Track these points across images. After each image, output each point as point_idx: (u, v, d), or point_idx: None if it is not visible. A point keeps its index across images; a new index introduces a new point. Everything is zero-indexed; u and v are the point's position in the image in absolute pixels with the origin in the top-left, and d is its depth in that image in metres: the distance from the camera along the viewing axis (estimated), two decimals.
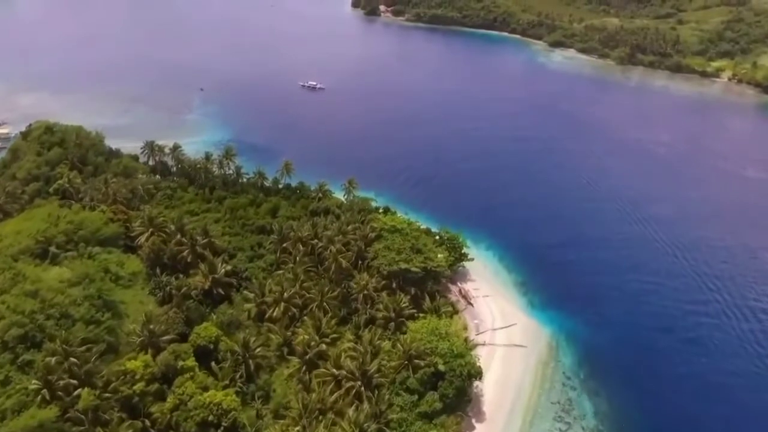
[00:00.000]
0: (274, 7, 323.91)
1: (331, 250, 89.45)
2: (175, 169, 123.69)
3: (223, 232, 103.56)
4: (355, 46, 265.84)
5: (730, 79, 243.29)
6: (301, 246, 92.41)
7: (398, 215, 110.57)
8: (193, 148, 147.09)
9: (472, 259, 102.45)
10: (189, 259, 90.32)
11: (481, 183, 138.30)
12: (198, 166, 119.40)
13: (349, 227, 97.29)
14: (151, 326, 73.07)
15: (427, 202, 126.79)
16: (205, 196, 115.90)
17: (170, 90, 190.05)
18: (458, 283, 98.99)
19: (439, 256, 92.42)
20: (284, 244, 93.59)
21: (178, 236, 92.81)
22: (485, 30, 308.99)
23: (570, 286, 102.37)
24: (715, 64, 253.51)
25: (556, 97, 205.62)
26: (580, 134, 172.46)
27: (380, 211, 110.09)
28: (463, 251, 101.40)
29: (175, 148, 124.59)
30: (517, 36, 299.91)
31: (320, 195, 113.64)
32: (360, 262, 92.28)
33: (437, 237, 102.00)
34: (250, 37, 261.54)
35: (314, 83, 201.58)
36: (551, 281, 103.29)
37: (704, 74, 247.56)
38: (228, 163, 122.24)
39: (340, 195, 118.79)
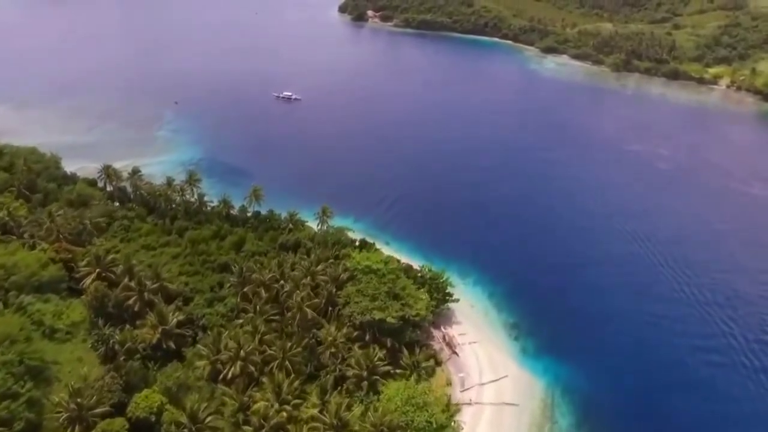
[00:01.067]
0: (258, 15, 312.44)
1: (296, 298, 79.06)
2: (134, 196, 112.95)
3: (180, 270, 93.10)
4: (340, 53, 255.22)
5: (728, 87, 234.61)
6: (263, 292, 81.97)
7: (376, 249, 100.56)
8: (160, 169, 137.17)
9: (458, 300, 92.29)
10: (136, 308, 79.77)
11: (469, 206, 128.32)
12: (158, 193, 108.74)
13: (319, 267, 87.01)
14: (79, 400, 62.50)
15: (410, 230, 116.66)
16: (166, 226, 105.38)
17: (143, 103, 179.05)
18: (442, 328, 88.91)
19: (419, 302, 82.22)
20: (245, 289, 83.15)
21: (126, 280, 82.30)
22: (476, 35, 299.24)
23: (567, 327, 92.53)
24: (713, 70, 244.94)
25: (549, 107, 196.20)
26: (575, 148, 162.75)
27: (356, 244, 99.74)
28: (447, 290, 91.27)
29: (134, 172, 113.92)
30: (509, 42, 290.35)
31: (290, 226, 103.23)
32: (330, 308, 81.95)
33: (419, 275, 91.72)
34: (231, 45, 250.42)
35: (289, 94, 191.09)
36: (545, 321, 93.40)
37: (702, 81, 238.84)
38: (191, 190, 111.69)
39: (314, 224, 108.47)
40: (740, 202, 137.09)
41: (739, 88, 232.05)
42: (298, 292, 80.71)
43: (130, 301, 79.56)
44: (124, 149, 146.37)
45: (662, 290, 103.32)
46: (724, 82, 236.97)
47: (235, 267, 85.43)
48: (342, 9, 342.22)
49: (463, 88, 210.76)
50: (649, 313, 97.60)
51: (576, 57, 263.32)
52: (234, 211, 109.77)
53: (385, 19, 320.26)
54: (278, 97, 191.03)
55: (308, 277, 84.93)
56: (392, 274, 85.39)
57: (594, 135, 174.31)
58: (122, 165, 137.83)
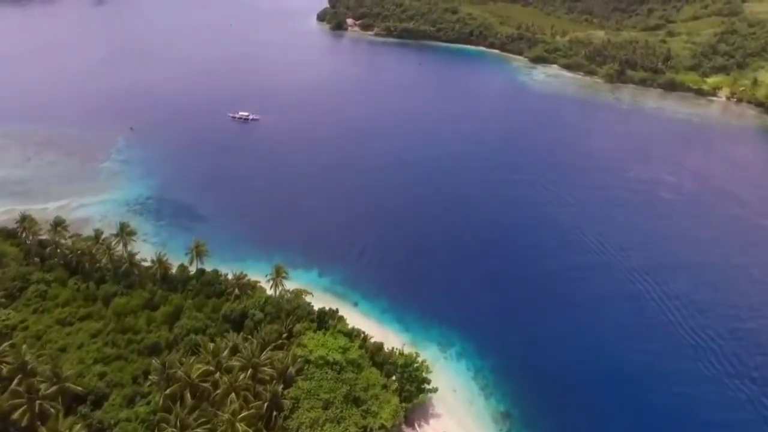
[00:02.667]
0: (233, 26, 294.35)
1: (229, 407, 62.19)
2: (54, 253, 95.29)
3: (98, 354, 75.89)
4: (313, 67, 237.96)
5: (728, 98, 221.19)
6: (189, 396, 64.98)
7: (340, 318, 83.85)
8: (99, 210, 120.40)
9: (436, 389, 75.64)
10: (24, 423, 62.56)
11: (451, 250, 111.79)
12: (80, 251, 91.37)
13: (263, 356, 70.17)
14: None
15: (382, 284, 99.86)
16: (90, 292, 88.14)
17: (94, 128, 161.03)
18: (416, 425, 72.43)
19: (386, 407, 65.65)
20: (168, 390, 66.17)
21: (15, 383, 65.08)
22: (461, 44, 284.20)
23: (571, 415, 76.30)
24: (711, 80, 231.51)
25: (540, 127, 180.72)
26: (569, 174, 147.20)
27: (315, 315, 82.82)
28: (424, 377, 74.79)
29: (57, 223, 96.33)
30: (496, 51, 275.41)
31: (237, 291, 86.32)
32: (273, 415, 65.11)
33: (389, 361, 75.04)
34: (201, 59, 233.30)
35: (246, 114, 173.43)
36: (544, 407, 77.16)
37: (700, 92, 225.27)
38: (123, 245, 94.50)
39: (268, 282, 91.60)
40: (756, 236, 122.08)
41: (739, 100, 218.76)
42: (233, 396, 63.86)
43: (16, 415, 62.35)
44: (61, 186, 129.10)
45: (680, 359, 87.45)
46: (724, 93, 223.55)
47: (155, 363, 68.28)
48: (320, 18, 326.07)
49: (446, 107, 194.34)
50: (671, 393, 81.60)
51: (567, 67, 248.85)
52: (173, 270, 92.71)
53: (365, 27, 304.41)
54: (234, 117, 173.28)
55: (248, 371, 68.13)
56: (353, 367, 68.76)
57: (589, 158, 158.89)
58: (57, 205, 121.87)
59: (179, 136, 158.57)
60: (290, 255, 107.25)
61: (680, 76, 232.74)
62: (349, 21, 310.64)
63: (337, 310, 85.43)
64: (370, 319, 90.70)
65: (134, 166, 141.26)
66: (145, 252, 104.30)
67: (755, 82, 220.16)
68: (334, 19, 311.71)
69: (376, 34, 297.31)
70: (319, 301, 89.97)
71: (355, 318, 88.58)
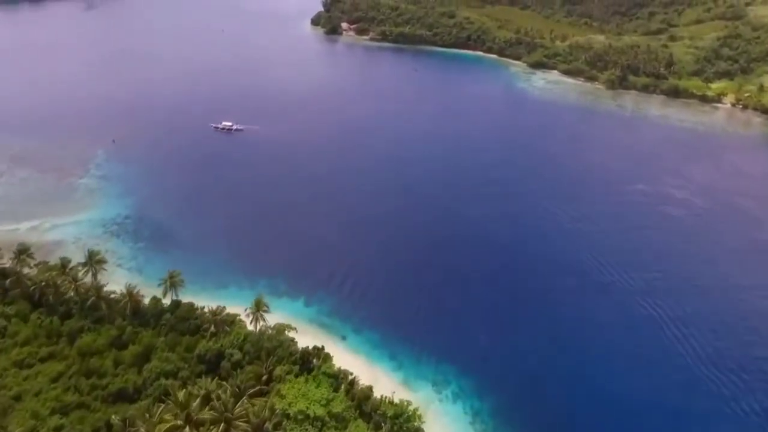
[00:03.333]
0: (224, 33, 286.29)
1: None
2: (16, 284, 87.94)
3: (56, 403, 68.61)
4: (305, 73, 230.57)
5: (733, 105, 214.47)
6: None
7: (326, 356, 76.70)
8: (74, 231, 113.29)
9: None
10: None
11: (447, 276, 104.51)
12: (43, 282, 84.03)
13: (238, 409, 62.91)
14: None
15: (374, 314, 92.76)
16: (53, 328, 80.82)
17: (74, 141, 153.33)
18: None
19: None
20: None
21: None
22: (458, 49, 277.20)
23: None
24: (715, 86, 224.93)
25: (540, 137, 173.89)
26: (573, 190, 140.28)
27: (297, 353, 75.64)
28: (417, 426, 67.61)
29: (21, 251, 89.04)
30: (494, 56, 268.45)
31: (213, 329, 79.05)
32: None
33: (378, 410, 67.89)
34: (189, 68, 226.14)
35: (230, 124, 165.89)
36: None
37: (705, 99, 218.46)
38: (93, 274, 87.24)
39: (247, 316, 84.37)
40: None
41: (745, 107, 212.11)
42: None
43: None
44: (34, 205, 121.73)
45: (703, 403, 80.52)
46: (729, 100, 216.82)
47: (116, 419, 61.01)
48: (314, 22, 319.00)
49: (442, 118, 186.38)
50: None
51: (567, 73, 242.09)
52: (147, 300, 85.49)
53: (360, 32, 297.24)
54: (217, 128, 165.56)
55: (222, 424, 60.91)
56: (336, 422, 61.59)
57: (593, 170, 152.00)
58: (29, 226, 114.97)
59: (162, 149, 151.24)
60: (275, 281, 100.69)
61: (684, 82, 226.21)
62: (344, 25, 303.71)
63: (322, 348, 78.27)
64: (359, 356, 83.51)
65: (113, 182, 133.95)
66: (120, 278, 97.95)
67: (761, 88, 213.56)
68: (328, 24, 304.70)
69: (371, 39, 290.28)
70: (304, 336, 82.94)
71: (342, 355, 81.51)
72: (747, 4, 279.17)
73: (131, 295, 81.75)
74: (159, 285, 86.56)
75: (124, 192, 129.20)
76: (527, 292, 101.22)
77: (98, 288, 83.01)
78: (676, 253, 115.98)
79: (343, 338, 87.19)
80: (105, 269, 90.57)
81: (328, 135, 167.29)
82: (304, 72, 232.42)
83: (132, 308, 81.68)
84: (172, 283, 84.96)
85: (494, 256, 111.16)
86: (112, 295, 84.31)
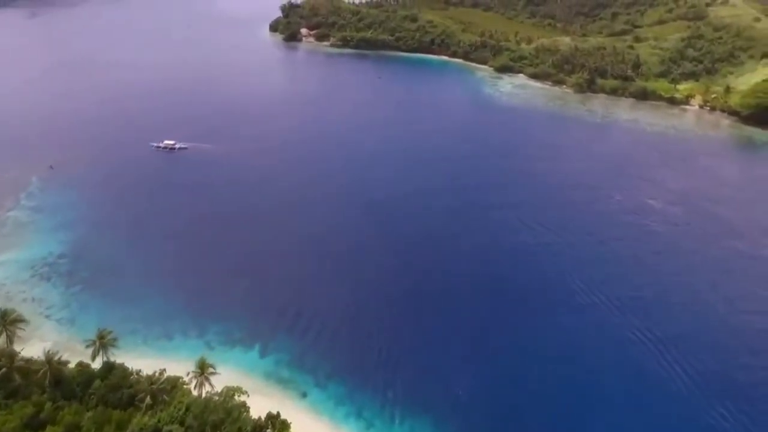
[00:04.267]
0: (178, 41, 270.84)
1: None
2: None
3: None
4: (261, 84, 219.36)
5: (701, 107, 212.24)
6: None
7: (283, 423, 66.55)
8: None
9: None
10: None
11: (416, 313, 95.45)
12: None
13: None
14: None
15: (338, 362, 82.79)
16: None
17: (3, 168, 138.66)
18: None
19: None
20: None
21: None
22: (422, 54, 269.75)
23: None
24: (683, 87, 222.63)
25: (511, 146, 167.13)
26: (547, 205, 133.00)
27: (249, 424, 65.19)
28: None
29: None
30: (459, 60, 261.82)
31: (149, 399, 67.78)
32: None
33: None
34: (137, 81, 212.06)
35: (172, 143, 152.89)
36: None
37: (672, 101, 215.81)
38: (7, 338, 74.84)
39: (190, 380, 73.34)
40: (760, 273, 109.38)
41: (713, 109, 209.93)
42: None
43: None
44: None
45: None
46: (697, 101, 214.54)
47: None
48: (273, 28, 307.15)
49: (407, 128, 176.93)
50: None
51: (534, 77, 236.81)
52: (72, 365, 73.62)
53: (320, 38, 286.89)
54: (158, 147, 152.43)
55: None
56: None
57: (567, 183, 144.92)
58: None
59: (104, 174, 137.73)
60: (228, 325, 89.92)
61: (651, 84, 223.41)
62: (303, 31, 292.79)
63: (278, 415, 67.85)
64: (322, 417, 73.51)
65: (47, 214, 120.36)
66: (47, 332, 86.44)
67: (728, 90, 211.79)
68: (287, 30, 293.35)
69: (332, 45, 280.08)
70: (258, 397, 72.30)
71: (302, 418, 71.40)
72: (707, 5, 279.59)
73: (51, 363, 69.66)
74: (87, 347, 74.64)
75: (59, 225, 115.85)
76: (503, 320, 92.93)
77: (12, 355, 70.65)
78: (657, 267, 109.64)
79: (304, 395, 77.03)
80: (23, 329, 78.09)
81: (287, 153, 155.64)
82: (262, 82, 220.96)
83: (53, 377, 69.63)
84: (102, 344, 73.25)
85: (467, 279, 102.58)
86: (31, 362, 71.92)
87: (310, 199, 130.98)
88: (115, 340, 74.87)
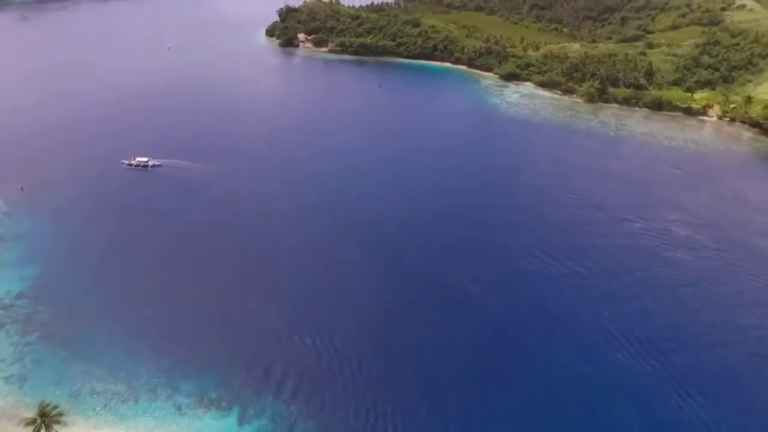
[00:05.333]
0: (171, 49, 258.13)
1: None
2: None
3: None
4: (256, 93, 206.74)
5: (720, 118, 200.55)
6: None
7: None
8: None
9: None
10: None
11: (416, 360, 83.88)
12: None
13: None
14: None
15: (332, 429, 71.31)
16: None
17: None
18: None
19: None
20: None
21: None
22: (424, 60, 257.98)
23: None
24: (699, 96, 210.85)
25: (520, 164, 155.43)
26: (563, 230, 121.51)
27: None
28: None
29: None
30: (463, 67, 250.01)
31: None
32: None
33: None
34: (126, 90, 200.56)
35: (145, 160, 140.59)
36: None
37: (689, 112, 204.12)
38: None
39: None
40: None
41: (732, 120, 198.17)
42: None
43: None
44: None
45: None
46: (715, 112, 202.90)
47: None
48: (269, 33, 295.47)
49: (408, 143, 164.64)
50: None
51: (542, 85, 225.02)
52: None
53: (318, 43, 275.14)
54: (129, 165, 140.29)
55: None
56: None
57: (582, 205, 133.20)
58: None
59: (74, 197, 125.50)
60: (202, 383, 78.34)
61: (665, 93, 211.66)
62: (301, 36, 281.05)
63: None
64: None
65: (11, 245, 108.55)
66: None
67: (748, 100, 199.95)
68: (283, 35, 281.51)
69: (331, 51, 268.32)
70: None
71: None
72: (723, 9, 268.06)
73: None
74: (27, 425, 62.95)
75: (21, 259, 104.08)
76: (514, 366, 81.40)
77: None
78: (689, 308, 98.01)
79: None
80: None
81: (277, 173, 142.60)
82: (256, 92, 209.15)
83: None
84: (45, 422, 61.56)
85: (476, 322, 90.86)
86: None
87: (297, 229, 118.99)
88: (61, 415, 63.26)
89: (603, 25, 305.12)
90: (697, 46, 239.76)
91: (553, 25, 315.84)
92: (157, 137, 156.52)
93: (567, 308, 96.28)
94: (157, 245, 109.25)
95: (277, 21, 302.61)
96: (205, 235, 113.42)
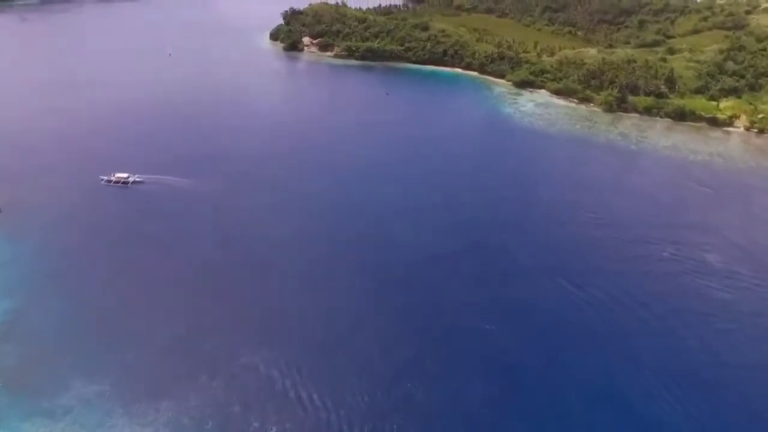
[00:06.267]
0: (172, 55, 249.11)
1: None
2: None
3: None
4: (258, 101, 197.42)
5: (747, 129, 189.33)
6: None
7: None
8: None
9: None
10: None
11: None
12: None
13: None
14: None
15: None
16: None
17: None
18: None
19: None
20: None
21: None
22: (434, 66, 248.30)
23: None
24: (724, 105, 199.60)
25: (537, 182, 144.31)
26: (586, 257, 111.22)
27: None
28: None
29: None
30: (474, 73, 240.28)
31: None
32: None
33: None
34: (124, 102, 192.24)
35: (125, 176, 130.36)
36: None
37: (714, 122, 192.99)
38: None
39: None
40: None
41: (761, 131, 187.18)
42: None
43: None
44: None
45: None
46: (742, 122, 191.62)
47: None
48: (273, 36, 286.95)
49: (421, 156, 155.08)
50: None
51: (558, 93, 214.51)
52: None
53: (323, 48, 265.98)
54: (108, 181, 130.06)
55: None
56: None
57: (605, 229, 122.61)
58: None
59: (51, 219, 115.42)
60: None
61: (688, 102, 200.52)
62: (306, 40, 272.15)
63: None
64: None
65: None
66: None
67: None
68: (287, 39, 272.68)
69: (336, 56, 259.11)
70: None
71: None
72: (747, 12, 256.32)
73: None
74: None
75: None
76: (531, 417, 71.35)
77: None
78: (731, 346, 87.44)
79: None
80: None
81: (273, 192, 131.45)
82: (257, 101, 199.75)
83: None
84: None
85: (491, 362, 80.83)
86: None
87: (294, 246, 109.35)
88: None
89: (619, 29, 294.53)
90: (721, 51, 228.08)
91: (567, 28, 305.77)
92: (146, 151, 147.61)
93: (594, 345, 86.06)
94: (136, 276, 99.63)
95: (281, 24, 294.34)
96: (190, 264, 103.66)
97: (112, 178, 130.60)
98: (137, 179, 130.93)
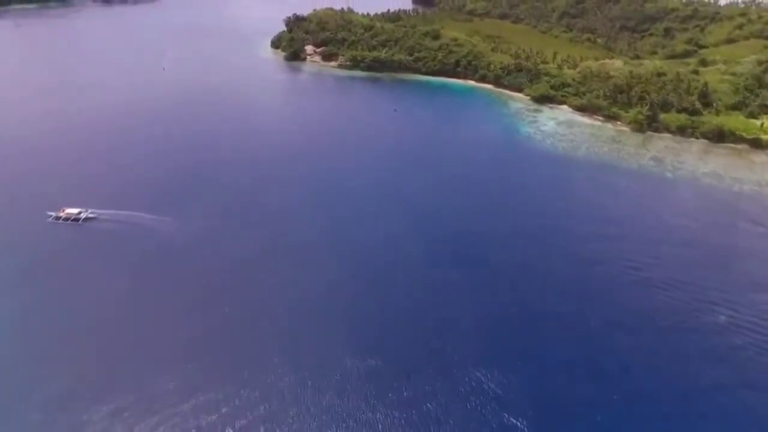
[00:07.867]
0: (166, 69, 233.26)
1: None
2: None
3: None
4: (254, 122, 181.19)
5: None
6: None
7: None
8: None
9: None
10: None
11: None
12: None
13: None
14: None
15: None
16: None
17: None
18: None
19: None
20: None
21: None
22: (445, 78, 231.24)
23: None
24: (767, 124, 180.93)
25: (558, 216, 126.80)
26: (618, 320, 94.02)
27: None
28: None
29: None
30: (489, 86, 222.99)
31: None
32: None
33: None
34: (116, 127, 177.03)
35: (76, 212, 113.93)
36: None
37: (757, 144, 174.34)
38: None
39: None
40: None
41: None
42: None
43: None
44: None
45: None
46: None
47: None
48: (275, 44, 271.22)
49: (426, 193, 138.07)
50: None
51: (581, 110, 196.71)
52: None
53: (327, 57, 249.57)
54: (57, 218, 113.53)
55: None
56: None
57: (646, 285, 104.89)
58: None
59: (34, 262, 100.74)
60: None
61: (727, 121, 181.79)
62: (309, 49, 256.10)
63: None
64: None
65: None
66: None
67: None
68: (289, 47, 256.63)
69: (340, 66, 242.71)
70: None
71: None
72: None
73: None
74: None
75: None
76: None
77: None
78: None
79: None
80: None
81: (259, 231, 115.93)
82: (253, 121, 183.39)
83: None
84: None
85: None
86: None
87: (285, 295, 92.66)
88: None
89: (643, 37, 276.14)
90: (760, 63, 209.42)
91: (586, 35, 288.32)
92: (111, 179, 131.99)
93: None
94: (80, 330, 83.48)
95: (284, 30, 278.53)
96: (158, 309, 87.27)
97: (61, 215, 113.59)
98: (90, 215, 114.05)
